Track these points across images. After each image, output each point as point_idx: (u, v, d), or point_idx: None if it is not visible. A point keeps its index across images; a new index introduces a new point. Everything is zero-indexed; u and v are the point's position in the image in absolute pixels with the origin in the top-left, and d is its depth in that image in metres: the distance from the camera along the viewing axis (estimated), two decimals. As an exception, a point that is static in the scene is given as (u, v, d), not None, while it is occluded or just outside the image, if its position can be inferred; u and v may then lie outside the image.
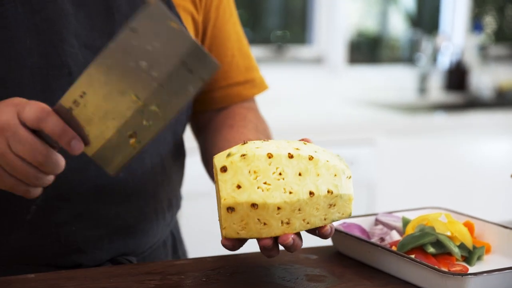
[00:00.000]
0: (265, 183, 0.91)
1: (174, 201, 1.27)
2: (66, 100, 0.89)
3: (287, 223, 0.93)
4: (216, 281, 1.00)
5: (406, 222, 1.14)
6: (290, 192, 0.92)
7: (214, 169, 0.96)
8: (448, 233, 1.08)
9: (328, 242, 1.15)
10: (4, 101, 0.93)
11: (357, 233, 1.13)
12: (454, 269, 1.02)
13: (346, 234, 1.11)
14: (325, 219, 0.96)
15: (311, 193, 0.93)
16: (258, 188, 0.91)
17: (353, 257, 1.11)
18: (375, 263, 1.07)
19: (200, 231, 2.60)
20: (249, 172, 0.91)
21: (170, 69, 0.86)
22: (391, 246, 1.09)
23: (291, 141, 0.96)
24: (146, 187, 1.18)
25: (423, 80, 3.71)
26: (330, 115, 3.15)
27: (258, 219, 0.92)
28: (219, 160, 0.94)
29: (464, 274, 0.95)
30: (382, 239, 1.13)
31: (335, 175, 0.95)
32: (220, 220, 0.94)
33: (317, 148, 0.97)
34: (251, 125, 1.26)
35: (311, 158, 0.93)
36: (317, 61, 3.57)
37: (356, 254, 1.10)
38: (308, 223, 0.94)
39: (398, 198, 2.97)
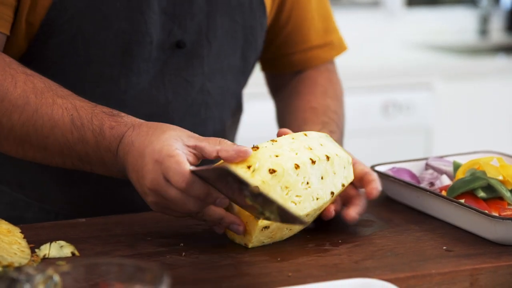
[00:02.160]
0: (297, 196, 0.92)
1: None
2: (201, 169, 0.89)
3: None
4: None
5: (457, 167, 1.12)
6: (317, 198, 0.95)
7: None
8: (500, 177, 1.05)
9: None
10: (142, 138, 0.93)
11: (406, 178, 1.11)
12: (505, 213, 0.99)
13: (395, 179, 1.09)
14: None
15: (332, 193, 0.96)
16: (291, 202, 0.92)
17: (402, 202, 1.10)
18: (423, 208, 1.06)
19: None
20: (281, 188, 0.91)
21: None
22: (441, 191, 1.07)
23: (295, 137, 0.95)
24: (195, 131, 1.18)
25: (484, 21, 3.60)
26: (388, 59, 3.10)
27: (286, 228, 0.95)
28: (244, 177, 0.89)
29: (514, 218, 0.92)
30: (432, 184, 1.11)
31: (344, 167, 0.98)
32: (246, 231, 0.93)
33: (322, 139, 0.98)
34: (320, 89, 1.26)
35: (328, 158, 0.95)
36: (374, 4, 3.49)
37: (405, 199, 1.09)
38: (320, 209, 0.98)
39: (456, 143, 2.92)
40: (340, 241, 0.97)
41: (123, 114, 0.99)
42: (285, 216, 0.85)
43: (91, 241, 0.96)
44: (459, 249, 0.94)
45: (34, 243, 0.93)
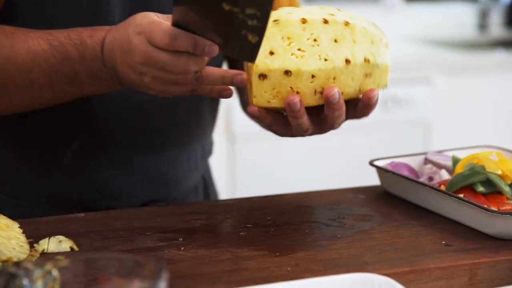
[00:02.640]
0: (299, 49, 0.87)
1: (206, 148, 1.27)
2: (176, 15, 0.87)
3: (321, 93, 0.89)
4: (261, 220, 1.00)
5: (456, 161, 1.12)
6: (326, 60, 0.88)
7: None
8: (499, 172, 1.05)
9: (376, 181, 1.14)
10: (122, 29, 0.92)
11: (405, 172, 1.11)
12: (504, 208, 0.99)
13: (394, 173, 1.09)
14: (359, 90, 0.92)
15: (347, 61, 0.88)
16: (292, 54, 0.87)
17: (401, 196, 1.10)
18: (422, 202, 1.06)
19: (253, 171, 2.62)
20: (282, 38, 0.87)
21: None
22: (440, 186, 1.07)
23: (324, 7, 0.92)
24: (181, 135, 1.17)
25: (483, 16, 3.60)
26: (386, 54, 3.09)
27: (291, 87, 0.88)
28: None
29: (513, 213, 0.93)
30: (431, 178, 1.11)
31: (372, 42, 0.90)
32: (249, 89, 0.90)
33: (353, 15, 0.93)
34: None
35: (347, 23, 0.89)
36: (374, -1, 3.49)
37: (404, 194, 1.09)
38: (342, 93, 0.90)
39: (455, 138, 2.92)
40: (338, 235, 0.96)
41: (99, 26, 0.98)
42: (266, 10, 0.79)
43: (89, 236, 0.96)
44: (458, 243, 0.94)
45: (33, 237, 0.93)
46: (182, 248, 0.92)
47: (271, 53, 0.87)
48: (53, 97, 1.01)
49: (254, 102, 0.90)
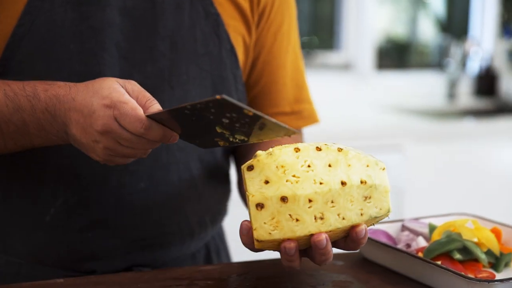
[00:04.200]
0: (294, 176, 0.87)
1: (209, 218, 1.24)
2: (158, 113, 0.92)
3: (321, 218, 0.87)
4: (241, 286, 1.01)
5: (432, 228, 1.14)
6: (321, 183, 0.87)
7: (242, 175, 0.93)
8: (475, 240, 1.07)
9: (354, 248, 1.15)
10: (83, 93, 0.95)
11: (383, 239, 1.13)
12: (481, 275, 1.01)
13: (372, 240, 1.11)
14: (361, 214, 0.90)
15: (343, 183, 0.88)
16: (287, 181, 0.87)
17: (379, 263, 1.11)
18: (401, 269, 1.07)
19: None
20: (277, 167, 0.87)
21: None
22: (417, 253, 1.09)
23: (317, 142, 0.93)
24: (170, 201, 1.17)
25: (452, 86, 3.69)
26: (358, 121, 3.14)
27: (290, 215, 0.87)
28: (245, 164, 0.91)
29: (491, 280, 0.94)
30: (408, 245, 1.13)
31: (368, 166, 0.91)
32: (250, 222, 0.89)
33: (348, 147, 0.93)
34: None
35: (340, 150, 0.89)
36: (345, 67, 3.56)
37: (382, 260, 1.10)
38: (343, 218, 0.89)
39: (426, 204, 2.96)
40: (319, 302, 0.97)
41: (54, 81, 1.01)
42: (264, 126, 0.86)
43: (70, 301, 0.95)
44: (436, 310, 0.95)
45: (13, 303, 0.92)
46: (164, 314, 0.92)
47: (266, 182, 0.88)
48: (5, 144, 1.04)
49: (255, 236, 0.88)
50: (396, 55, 3.95)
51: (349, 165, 0.89)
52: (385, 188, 0.92)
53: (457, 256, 1.04)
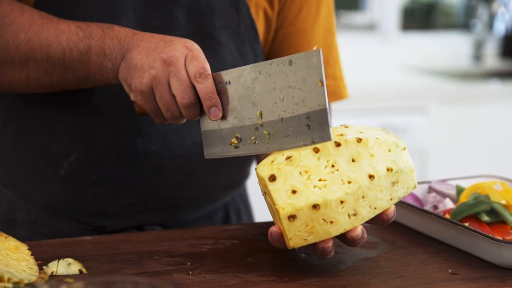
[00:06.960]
0: (320, 180, 0.85)
1: (225, 183, 1.23)
2: (220, 76, 0.95)
3: (354, 215, 0.87)
4: (268, 246, 1.01)
5: (460, 190, 1.13)
6: (349, 182, 0.86)
7: (260, 182, 0.91)
8: (503, 202, 1.06)
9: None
10: (175, 38, 0.99)
11: (410, 201, 1.12)
12: (509, 237, 1.00)
13: (399, 201, 1.10)
14: (391, 199, 0.90)
15: (371, 177, 0.87)
16: (314, 187, 0.85)
17: (406, 224, 1.10)
18: (427, 230, 1.06)
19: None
20: (300, 173, 0.85)
21: (296, 114, 0.88)
22: (444, 214, 1.08)
23: (332, 128, 0.89)
24: (183, 164, 1.15)
25: (478, 47, 3.64)
26: (383, 82, 3.12)
27: (324, 219, 0.86)
28: (263, 170, 0.88)
29: (519, 243, 0.93)
30: (435, 207, 1.12)
31: (389, 150, 0.89)
32: (283, 231, 0.87)
33: (361, 128, 0.91)
34: None
35: (359, 140, 0.87)
36: (370, 27, 3.52)
37: (409, 222, 1.10)
38: (375, 208, 0.89)
39: (450, 166, 2.94)
40: (346, 262, 0.97)
41: None
42: None
43: (97, 259, 0.96)
44: (464, 272, 0.95)
45: (41, 260, 0.93)
46: (191, 272, 0.92)
47: (293, 191, 0.85)
48: (64, 74, 1.04)
49: (292, 245, 0.87)
50: (421, 15, 3.89)
51: (372, 155, 0.87)
52: (410, 169, 0.91)
53: (485, 218, 1.03)
